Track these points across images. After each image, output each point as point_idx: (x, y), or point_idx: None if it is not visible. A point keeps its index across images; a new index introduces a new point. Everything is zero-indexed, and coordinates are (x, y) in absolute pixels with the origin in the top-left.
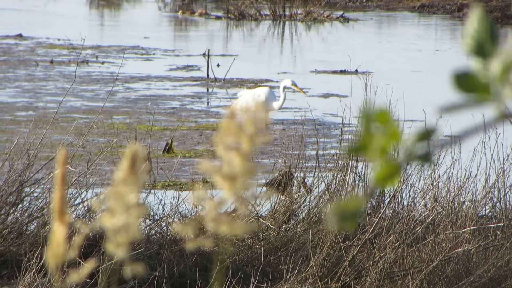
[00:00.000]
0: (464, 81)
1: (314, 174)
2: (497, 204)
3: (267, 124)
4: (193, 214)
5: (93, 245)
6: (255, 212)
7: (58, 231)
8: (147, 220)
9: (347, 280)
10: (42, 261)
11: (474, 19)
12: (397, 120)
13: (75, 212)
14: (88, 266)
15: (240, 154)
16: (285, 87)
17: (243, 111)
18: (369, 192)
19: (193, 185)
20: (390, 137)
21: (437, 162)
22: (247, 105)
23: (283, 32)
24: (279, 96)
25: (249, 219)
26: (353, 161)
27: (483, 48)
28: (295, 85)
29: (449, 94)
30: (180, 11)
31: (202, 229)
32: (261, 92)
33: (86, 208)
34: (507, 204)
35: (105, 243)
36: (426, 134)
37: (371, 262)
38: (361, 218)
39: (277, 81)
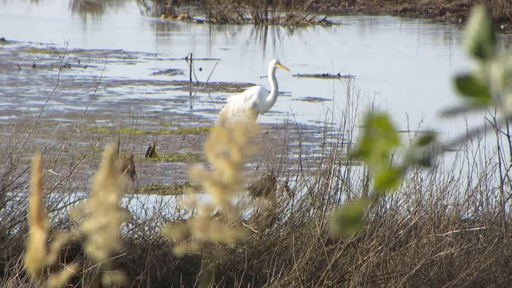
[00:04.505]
0: (465, 85)
1: (296, 178)
2: (480, 207)
3: (257, 133)
4: (176, 218)
5: (77, 249)
6: (239, 215)
7: (36, 237)
8: (130, 225)
9: (330, 284)
10: (25, 266)
11: (475, 21)
12: (396, 126)
13: (57, 216)
14: (68, 271)
15: (230, 164)
16: (274, 71)
17: (234, 118)
18: (372, 196)
19: (176, 189)
20: (390, 142)
21: (437, 166)
22: (239, 107)
23: (265, 36)
24: (269, 91)
25: (232, 223)
26: (335, 165)
27: (483, 50)
28: (279, 64)
29: (432, 98)
30: (163, 15)
31: (187, 233)
32: (252, 92)
33: (68, 213)
34: (490, 207)
35: (86, 247)
36: (428, 139)
37: (354, 266)
38: (363, 222)
39: (259, 85)
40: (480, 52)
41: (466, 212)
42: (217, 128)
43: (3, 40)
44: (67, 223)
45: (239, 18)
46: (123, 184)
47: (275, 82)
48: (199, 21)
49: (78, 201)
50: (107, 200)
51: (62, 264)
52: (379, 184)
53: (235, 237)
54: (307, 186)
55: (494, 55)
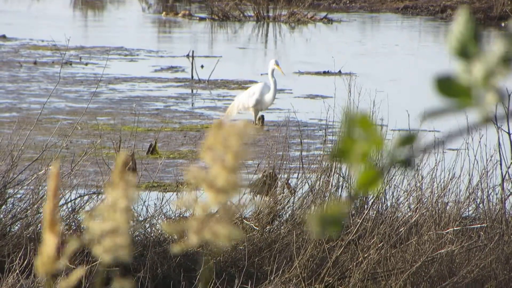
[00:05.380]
0: (446, 86)
1: (298, 175)
2: (480, 205)
3: (253, 138)
4: (177, 215)
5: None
6: (239, 213)
7: (49, 242)
8: (131, 222)
9: (330, 281)
10: (25, 262)
11: (459, 21)
12: (379, 125)
13: (58, 213)
14: (78, 272)
15: (225, 168)
16: (273, 70)
17: (234, 117)
18: (352, 196)
19: (177, 186)
20: (372, 143)
21: (419, 167)
22: (244, 104)
23: (267, 34)
24: (269, 87)
25: (233, 221)
26: (336, 163)
27: (467, 50)
28: (277, 65)
29: (430, 96)
30: (164, 12)
31: (184, 231)
32: (255, 89)
33: (71, 209)
34: (490, 205)
35: (92, 247)
36: (408, 139)
37: (354, 263)
38: (344, 223)
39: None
40: (464, 53)
41: (467, 210)
42: (211, 130)
43: (4, 37)
44: (68, 221)
45: (241, 15)
46: (134, 188)
47: (274, 81)
48: (201, 18)
49: (79, 198)
50: (118, 204)
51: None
52: (360, 184)
53: (230, 238)
54: (308, 184)
55: (478, 55)
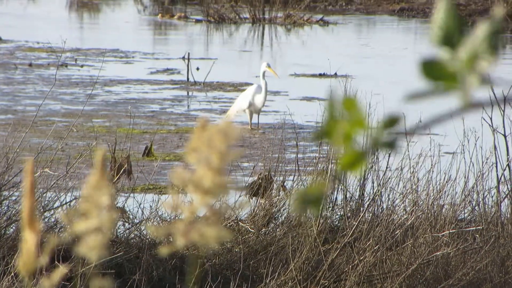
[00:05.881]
0: (431, 68)
1: (293, 178)
2: (476, 207)
3: (237, 139)
4: (172, 218)
5: (71, 249)
6: (235, 215)
7: (28, 239)
8: (126, 224)
9: (326, 284)
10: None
11: (441, 10)
12: (364, 107)
13: (54, 216)
14: (61, 271)
15: (211, 169)
16: (264, 73)
17: (230, 118)
18: (333, 176)
19: (171, 189)
20: (355, 124)
21: (403, 150)
22: (240, 107)
23: (262, 36)
24: (261, 89)
25: (228, 223)
26: (332, 165)
27: (451, 38)
28: (269, 67)
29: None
30: (160, 14)
31: (171, 234)
32: (248, 92)
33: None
34: (486, 207)
35: (78, 248)
36: (392, 122)
37: (350, 266)
38: (324, 204)
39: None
40: (448, 41)
41: (463, 212)
42: (196, 132)
43: None
44: (64, 223)
45: (237, 17)
46: (115, 185)
47: (265, 83)
48: (197, 21)
49: (74, 200)
50: (99, 201)
51: (58, 264)
52: (343, 165)
53: (218, 239)
54: (304, 186)
55: (461, 42)
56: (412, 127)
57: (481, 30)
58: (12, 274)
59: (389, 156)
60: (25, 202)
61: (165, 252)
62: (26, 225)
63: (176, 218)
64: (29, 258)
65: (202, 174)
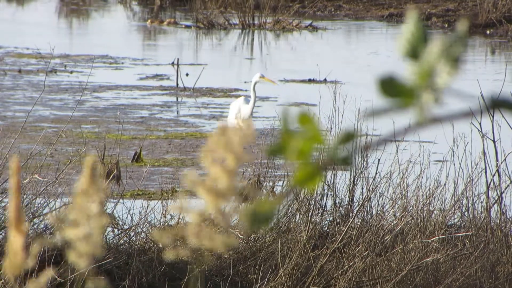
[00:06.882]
0: (389, 86)
1: (283, 183)
2: (466, 213)
3: (252, 141)
4: (162, 224)
5: (62, 255)
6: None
7: (15, 241)
8: (116, 230)
9: None
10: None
11: (409, 23)
12: (318, 122)
13: (43, 222)
14: (47, 274)
15: (226, 171)
16: (255, 84)
17: (231, 125)
18: (285, 193)
19: (163, 194)
20: (311, 139)
21: (359, 165)
22: (231, 119)
23: (252, 41)
24: (249, 101)
25: (218, 229)
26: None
27: (416, 51)
28: (263, 77)
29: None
30: (149, 20)
31: (176, 239)
32: (234, 104)
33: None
34: (476, 213)
35: (68, 254)
36: (348, 137)
37: (340, 272)
38: (274, 220)
39: (246, 90)
40: (414, 54)
41: (452, 218)
42: (214, 134)
43: None
44: (53, 229)
45: (226, 23)
46: (105, 191)
47: (254, 95)
48: (186, 26)
49: (63, 207)
50: (89, 208)
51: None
52: (298, 180)
53: (226, 244)
54: (293, 192)
55: (424, 56)
56: (400, 132)
57: (437, 46)
58: (3, 280)
59: (378, 161)
60: (11, 202)
61: (170, 257)
62: (12, 226)
63: (166, 224)
64: (16, 260)
65: (216, 175)
